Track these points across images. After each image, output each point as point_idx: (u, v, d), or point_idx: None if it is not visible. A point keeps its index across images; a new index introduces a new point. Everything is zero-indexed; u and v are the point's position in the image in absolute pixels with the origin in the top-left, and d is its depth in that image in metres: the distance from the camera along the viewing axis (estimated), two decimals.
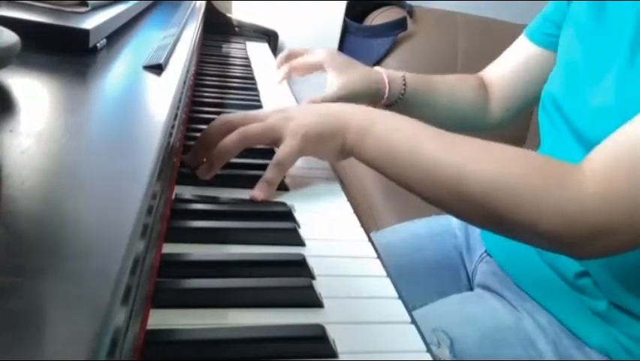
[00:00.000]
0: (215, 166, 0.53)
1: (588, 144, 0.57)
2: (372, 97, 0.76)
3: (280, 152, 0.53)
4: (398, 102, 0.77)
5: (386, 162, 0.53)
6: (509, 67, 0.82)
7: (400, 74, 0.77)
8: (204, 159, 0.55)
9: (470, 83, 0.84)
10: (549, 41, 0.75)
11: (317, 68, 0.79)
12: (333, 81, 0.74)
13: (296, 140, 0.53)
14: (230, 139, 0.53)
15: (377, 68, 0.78)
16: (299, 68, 0.81)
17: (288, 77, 0.83)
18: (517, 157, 0.49)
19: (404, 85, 0.76)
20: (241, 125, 0.54)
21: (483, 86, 0.84)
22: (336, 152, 0.55)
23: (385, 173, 0.54)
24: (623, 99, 0.53)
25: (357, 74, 0.75)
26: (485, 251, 0.78)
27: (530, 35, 0.78)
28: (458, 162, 0.48)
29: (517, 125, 1.68)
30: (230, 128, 0.54)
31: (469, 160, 0.48)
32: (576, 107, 0.60)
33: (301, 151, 0.54)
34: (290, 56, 0.83)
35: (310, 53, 0.80)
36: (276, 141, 0.55)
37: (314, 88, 0.80)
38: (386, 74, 0.76)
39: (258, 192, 0.51)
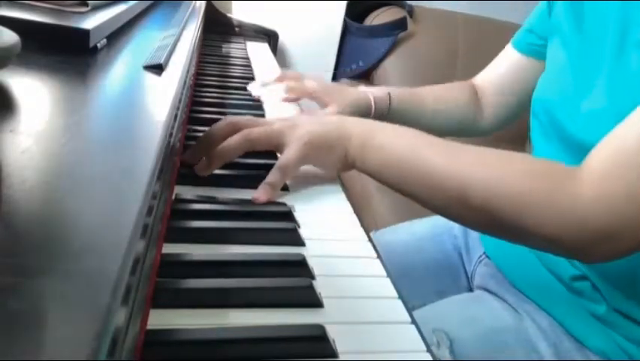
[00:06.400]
0: (214, 165, 0.54)
1: (581, 149, 0.58)
2: (360, 116, 0.78)
3: (283, 157, 0.54)
4: (386, 117, 0.80)
5: (388, 172, 0.53)
6: (498, 75, 0.85)
7: (385, 90, 0.80)
8: (203, 157, 0.55)
9: (461, 92, 0.86)
10: (534, 50, 0.78)
11: (309, 95, 0.81)
12: (328, 108, 0.77)
13: (299, 146, 0.54)
14: (233, 140, 0.54)
15: (362, 87, 0.81)
16: (295, 91, 0.82)
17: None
18: (518, 163, 0.49)
19: (389, 99, 0.79)
20: (246, 128, 0.55)
21: (474, 94, 0.86)
22: (338, 162, 0.56)
23: (388, 183, 0.54)
24: (615, 101, 0.54)
25: (348, 98, 0.78)
26: (484, 253, 0.78)
27: (516, 45, 0.81)
28: (460, 170, 0.49)
29: (517, 124, 1.68)
30: (235, 129, 0.55)
31: (471, 167, 0.49)
32: (567, 113, 0.61)
33: (304, 158, 0.55)
34: (282, 78, 0.84)
35: (304, 79, 0.82)
36: (279, 147, 0.55)
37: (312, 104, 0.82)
38: (372, 93, 0.79)
39: (259, 195, 0.52)
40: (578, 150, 0.59)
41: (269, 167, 0.59)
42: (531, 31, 0.78)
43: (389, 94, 0.79)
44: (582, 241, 0.45)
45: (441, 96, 0.84)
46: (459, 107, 0.84)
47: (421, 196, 0.52)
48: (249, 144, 0.54)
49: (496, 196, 0.47)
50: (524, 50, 0.79)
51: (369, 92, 0.79)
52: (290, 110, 0.85)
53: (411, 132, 0.54)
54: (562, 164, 0.49)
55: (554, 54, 0.69)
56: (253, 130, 0.55)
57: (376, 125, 0.56)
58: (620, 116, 0.46)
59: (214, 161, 0.54)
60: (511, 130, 1.60)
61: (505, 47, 0.84)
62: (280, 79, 0.83)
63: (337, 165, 0.57)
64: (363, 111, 0.78)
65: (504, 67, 0.83)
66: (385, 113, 0.79)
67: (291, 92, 0.83)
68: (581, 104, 0.58)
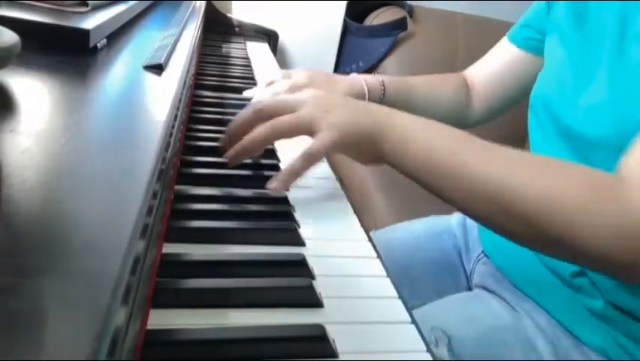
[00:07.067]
0: (242, 156, 0.53)
1: (580, 143, 0.58)
2: None
3: (314, 143, 0.51)
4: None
5: (425, 172, 0.50)
6: (492, 68, 0.84)
7: (379, 78, 0.79)
8: (232, 148, 0.54)
9: (452, 83, 0.86)
10: (530, 45, 0.78)
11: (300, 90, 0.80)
12: None
13: (332, 134, 0.51)
14: (260, 132, 0.52)
15: (354, 75, 0.79)
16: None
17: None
18: (564, 170, 0.46)
19: (383, 89, 0.78)
20: (274, 115, 0.52)
21: (465, 86, 0.87)
22: (370, 156, 0.53)
23: (423, 183, 0.51)
24: (616, 94, 0.54)
25: (341, 87, 0.76)
26: (482, 252, 0.79)
27: (512, 39, 0.81)
28: (503, 176, 0.46)
29: (517, 123, 1.68)
30: (263, 117, 0.53)
31: (514, 173, 0.46)
32: (567, 108, 0.61)
33: (335, 147, 0.52)
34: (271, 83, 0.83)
35: (293, 74, 0.81)
36: (309, 133, 0.53)
37: None
38: (365, 80, 0.77)
39: (276, 183, 0.50)
40: (577, 145, 0.60)
41: (270, 167, 0.59)
42: (528, 26, 0.78)
43: (383, 82, 0.78)
44: (631, 252, 0.42)
45: (432, 86, 0.84)
46: (449, 98, 0.85)
47: (460, 201, 0.49)
48: (277, 134, 0.52)
49: (543, 205, 0.44)
50: (520, 43, 0.79)
51: (362, 80, 0.77)
52: None
53: (451, 131, 0.52)
54: (601, 171, 0.46)
55: (553, 51, 0.69)
56: (281, 120, 0.52)
57: (415, 121, 0.53)
58: (621, 108, 0.46)
59: (241, 153, 0.52)
60: (510, 129, 1.61)
61: (500, 41, 0.84)
62: (269, 84, 0.83)
63: (368, 159, 0.54)
64: (356, 97, 0.74)
65: (498, 60, 0.83)
66: (380, 102, 0.77)
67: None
68: (581, 99, 0.58)
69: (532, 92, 0.70)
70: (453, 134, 0.52)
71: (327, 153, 0.52)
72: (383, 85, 0.78)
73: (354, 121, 0.52)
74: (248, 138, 0.52)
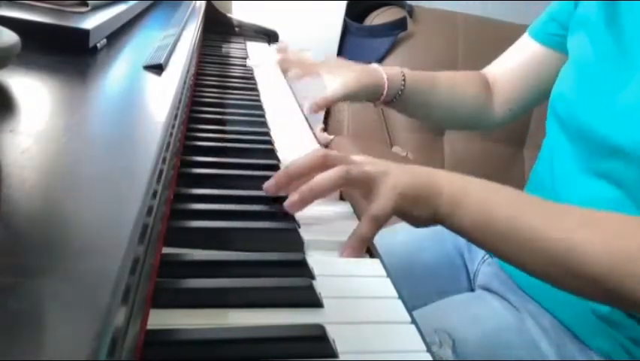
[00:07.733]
0: (309, 199, 0.49)
1: (602, 146, 0.57)
2: (371, 94, 0.75)
3: (376, 206, 0.49)
4: (397, 99, 0.76)
5: (482, 233, 0.49)
6: (513, 66, 0.81)
7: (398, 69, 0.76)
8: (294, 194, 0.50)
9: (473, 81, 0.83)
10: (554, 41, 0.75)
11: (311, 71, 0.79)
12: (332, 83, 0.73)
13: (393, 196, 0.49)
14: (330, 175, 0.49)
15: (374, 65, 0.76)
16: (294, 64, 0.81)
17: (283, 70, 0.83)
18: (629, 227, 0.45)
19: (403, 81, 0.75)
20: (340, 164, 0.50)
21: (486, 85, 0.84)
22: (427, 217, 0.51)
23: (479, 242, 0.51)
24: None
25: (355, 73, 0.73)
26: (487, 253, 0.78)
27: (534, 35, 0.78)
28: (567, 236, 0.45)
29: (516, 125, 1.68)
30: (326, 163, 0.51)
31: (578, 233, 0.45)
32: (593, 110, 0.60)
33: (396, 208, 0.49)
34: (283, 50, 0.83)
35: (304, 54, 0.80)
36: (369, 192, 0.50)
37: (315, 88, 0.79)
38: (384, 71, 0.74)
39: (349, 250, 0.47)
40: (598, 147, 0.59)
41: (269, 167, 0.59)
42: (553, 20, 0.75)
43: (403, 74, 0.75)
44: None
45: (455, 83, 0.81)
46: (472, 97, 0.82)
47: (520, 261, 0.49)
48: (345, 181, 0.49)
49: (609, 266, 0.43)
50: (543, 40, 0.76)
51: (381, 70, 0.74)
52: (282, 91, 0.84)
53: (506, 189, 0.51)
54: None
55: (579, 49, 0.67)
56: (351, 168, 0.50)
57: (469, 181, 0.51)
58: None
59: (309, 195, 0.49)
60: (509, 131, 1.61)
61: (521, 38, 0.81)
62: (282, 50, 0.81)
63: (425, 220, 0.52)
64: (373, 87, 0.74)
65: (519, 58, 0.80)
66: (399, 95, 0.75)
67: (288, 64, 0.81)
68: (611, 100, 0.57)
69: (554, 90, 0.68)
70: (507, 190, 0.50)
71: (390, 214, 0.49)
72: (403, 76, 0.75)
73: (413, 181, 0.50)
74: (319, 178, 0.49)
